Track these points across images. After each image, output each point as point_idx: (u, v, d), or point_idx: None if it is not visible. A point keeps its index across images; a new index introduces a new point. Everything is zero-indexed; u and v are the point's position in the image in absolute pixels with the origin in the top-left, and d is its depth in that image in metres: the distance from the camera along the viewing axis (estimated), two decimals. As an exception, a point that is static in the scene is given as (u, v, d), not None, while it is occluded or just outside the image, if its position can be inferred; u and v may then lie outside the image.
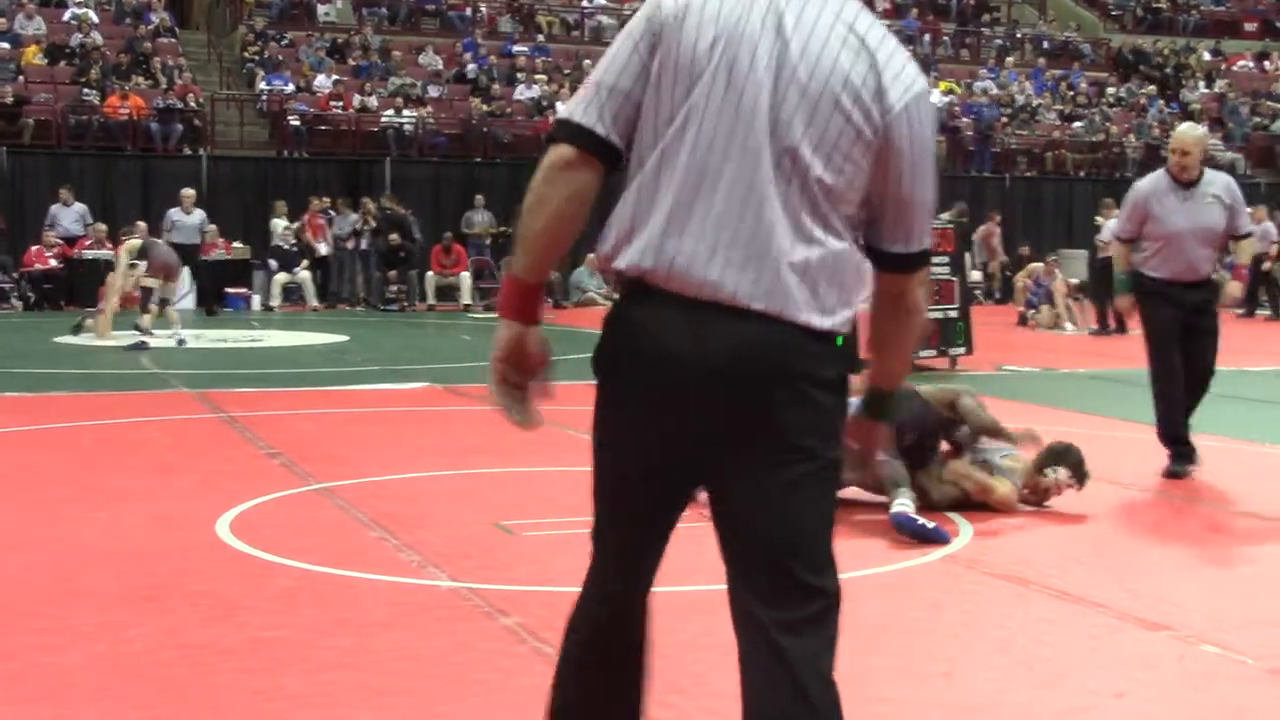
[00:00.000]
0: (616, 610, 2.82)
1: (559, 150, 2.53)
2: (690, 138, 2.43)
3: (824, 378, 2.45)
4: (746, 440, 2.43)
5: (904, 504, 6.17)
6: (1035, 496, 6.84)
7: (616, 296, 2.56)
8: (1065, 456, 6.75)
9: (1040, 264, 21.31)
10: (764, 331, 2.40)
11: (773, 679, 2.62)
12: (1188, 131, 7.78)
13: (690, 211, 2.44)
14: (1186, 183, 7.62)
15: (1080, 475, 6.74)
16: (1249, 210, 8.02)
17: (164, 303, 15.61)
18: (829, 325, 2.45)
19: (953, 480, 6.74)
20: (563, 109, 2.66)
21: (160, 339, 15.21)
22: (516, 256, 2.61)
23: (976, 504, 6.73)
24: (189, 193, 21.08)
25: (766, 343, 2.40)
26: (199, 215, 20.95)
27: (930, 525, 6.12)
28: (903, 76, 2.43)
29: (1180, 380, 7.69)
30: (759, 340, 2.40)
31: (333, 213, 22.97)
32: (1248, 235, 7.87)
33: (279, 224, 22.31)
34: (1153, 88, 32.15)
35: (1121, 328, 18.40)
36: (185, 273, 21.66)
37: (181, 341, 15.40)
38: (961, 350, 13.84)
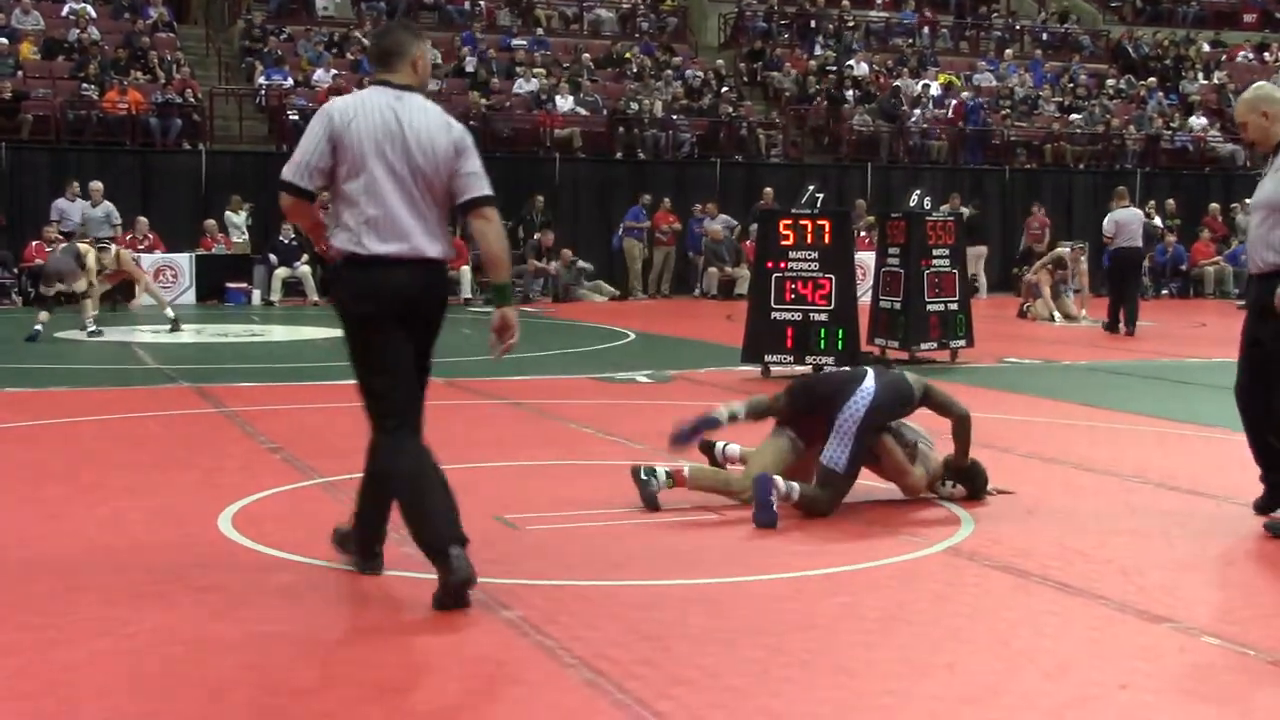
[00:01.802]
0: (413, 420, 5.17)
1: (285, 198, 5.08)
2: (372, 181, 4.92)
3: (447, 288, 5.19)
4: (431, 318, 5.09)
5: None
6: (928, 491, 6.99)
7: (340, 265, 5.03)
8: (971, 480, 6.93)
9: (1065, 250, 20.73)
10: (431, 266, 5.01)
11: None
12: (1243, 96, 6.55)
13: (395, 218, 4.93)
14: (1267, 152, 6.41)
15: (973, 499, 6.92)
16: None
17: (83, 296, 15.78)
18: (450, 255, 5.13)
19: (877, 452, 6.78)
20: (283, 173, 5.06)
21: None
22: (308, 228, 5.31)
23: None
24: (96, 185, 20.83)
25: (433, 272, 5.04)
26: (105, 208, 20.64)
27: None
28: (455, 124, 5.11)
29: (1249, 396, 6.47)
30: (433, 273, 5.04)
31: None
32: None
33: (235, 219, 22.26)
34: (1152, 79, 32.13)
35: (1130, 327, 17.37)
36: (186, 265, 21.64)
37: (94, 333, 15.49)
38: (962, 343, 13.84)
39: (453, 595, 4.83)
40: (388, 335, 4.95)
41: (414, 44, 5.18)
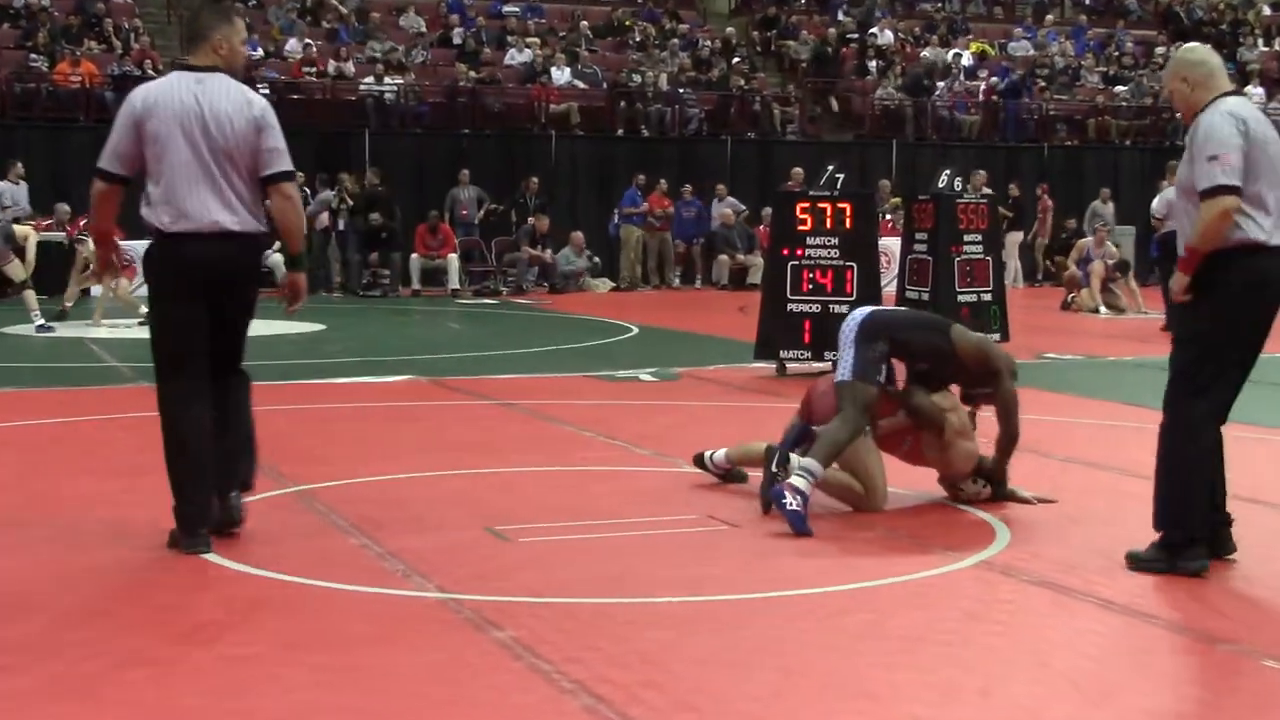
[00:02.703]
0: (196, 385, 6.00)
1: (99, 184, 5.93)
2: (172, 161, 5.82)
3: (256, 259, 6.22)
4: (234, 288, 6.00)
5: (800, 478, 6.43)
6: (953, 487, 7.10)
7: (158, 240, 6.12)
8: (998, 479, 7.04)
9: (1089, 238, 20.88)
10: (236, 241, 5.90)
11: (232, 408, 6.20)
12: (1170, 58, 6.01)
13: (190, 195, 5.82)
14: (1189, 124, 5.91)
15: (997, 499, 7.02)
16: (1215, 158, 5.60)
17: (21, 286, 15.76)
18: (259, 229, 6.00)
19: (948, 406, 6.94)
20: (99, 162, 5.90)
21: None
22: (93, 227, 6.43)
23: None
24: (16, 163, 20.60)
25: (238, 246, 5.93)
26: (26, 188, 20.39)
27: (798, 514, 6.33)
28: (256, 101, 5.96)
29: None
30: (234, 245, 5.91)
31: (306, 190, 22.95)
32: (1208, 193, 5.57)
33: None
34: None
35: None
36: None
37: (43, 328, 15.45)
38: (996, 336, 13.81)
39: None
40: (180, 304, 5.92)
41: (216, 27, 6.00)
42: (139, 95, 5.92)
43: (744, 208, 24.39)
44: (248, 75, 24.44)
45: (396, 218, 22.50)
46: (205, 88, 5.87)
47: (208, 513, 5.98)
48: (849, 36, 29.60)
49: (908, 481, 7.17)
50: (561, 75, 26.13)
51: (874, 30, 30.00)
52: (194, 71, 5.93)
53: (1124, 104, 29.38)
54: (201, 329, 5.94)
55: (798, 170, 23.27)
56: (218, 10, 6.19)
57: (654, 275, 24.43)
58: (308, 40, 25.65)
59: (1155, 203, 17.79)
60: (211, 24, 6.01)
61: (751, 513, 6.66)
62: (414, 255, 22.57)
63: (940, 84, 28.68)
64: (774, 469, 6.74)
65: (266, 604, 5.21)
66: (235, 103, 5.87)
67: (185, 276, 5.86)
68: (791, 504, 6.33)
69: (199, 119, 5.80)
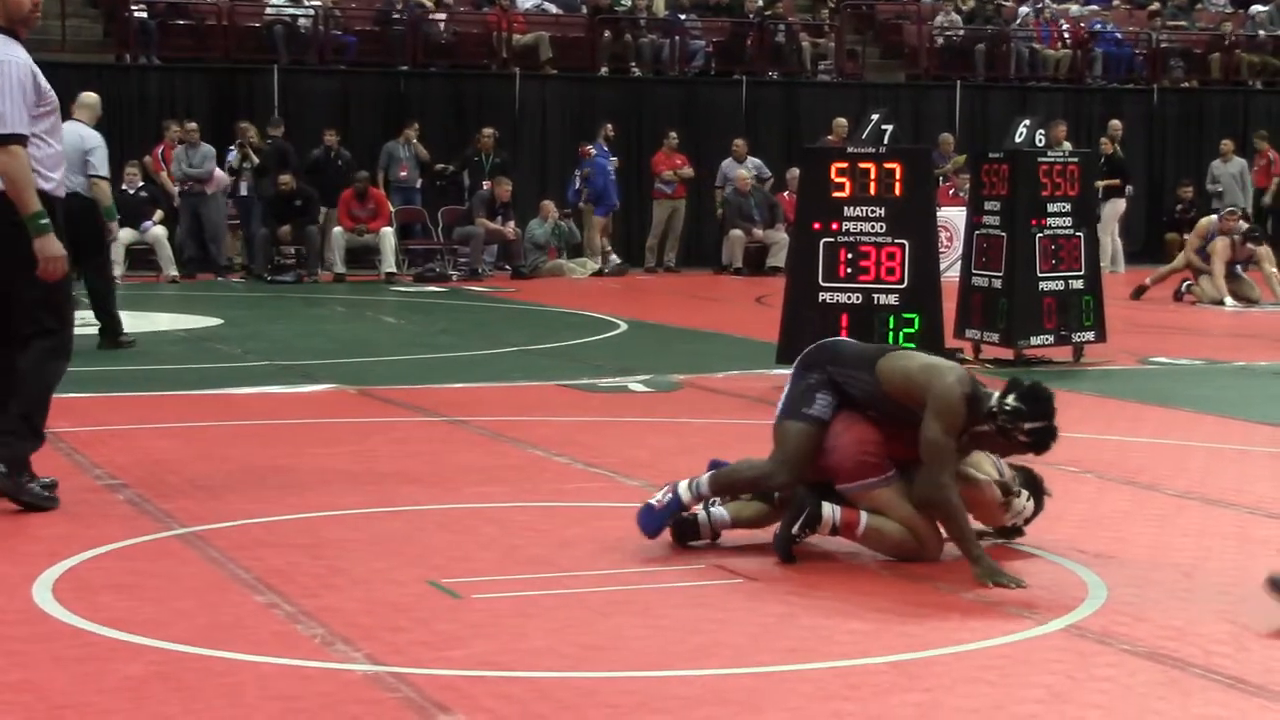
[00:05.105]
0: None
1: None
2: None
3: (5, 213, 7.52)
4: None
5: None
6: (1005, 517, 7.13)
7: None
8: (1034, 484, 7.11)
9: (1213, 218, 20.77)
10: None
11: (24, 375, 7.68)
12: None
13: None
14: None
15: (1038, 509, 7.15)
16: None
17: None
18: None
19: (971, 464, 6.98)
20: None
21: None
22: None
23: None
24: None
25: None
26: None
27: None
28: None
29: None
30: None
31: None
32: None
33: None
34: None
35: None
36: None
37: None
38: (1090, 335, 13.82)
39: None
40: None
41: None
42: None
43: (769, 173, 24.33)
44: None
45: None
46: None
47: None
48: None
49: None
50: (528, -3, 26.15)
51: (933, -61, 30.08)
52: None
53: (1260, 33, 29.38)
54: None
55: (840, 121, 23.23)
56: None
57: (650, 254, 24.41)
58: (199, -49, 25.63)
59: None
60: None
61: (771, 562, 6.67)
62: (337, 229, 22.54)
63: (1025, 9, 28.69)
64: (795, 531, 6.74)
65: (145, 681, 5.20)
66: None
67: None
68: (655, 499, 6.93)
69: None
